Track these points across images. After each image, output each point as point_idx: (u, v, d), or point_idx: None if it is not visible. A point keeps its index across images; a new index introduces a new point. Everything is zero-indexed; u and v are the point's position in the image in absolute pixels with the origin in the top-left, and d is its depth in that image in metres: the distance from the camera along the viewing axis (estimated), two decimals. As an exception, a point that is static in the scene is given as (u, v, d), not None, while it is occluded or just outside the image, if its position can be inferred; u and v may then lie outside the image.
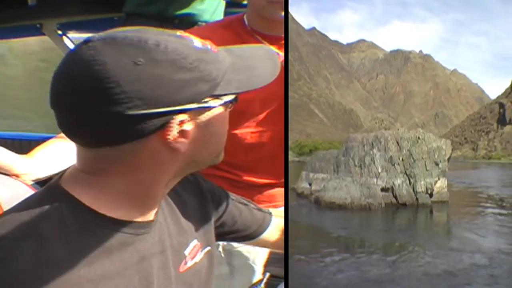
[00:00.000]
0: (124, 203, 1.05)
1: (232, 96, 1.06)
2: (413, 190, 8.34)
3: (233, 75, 1.05)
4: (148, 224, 1.10)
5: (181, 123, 0.99)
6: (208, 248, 1.30)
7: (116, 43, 0.95)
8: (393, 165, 8.47)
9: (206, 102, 1.01)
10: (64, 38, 3.57)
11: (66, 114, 0.97)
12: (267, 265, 2.44)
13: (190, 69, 0.98)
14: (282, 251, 1.67)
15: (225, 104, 1.05)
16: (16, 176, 1.66)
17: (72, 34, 3.60)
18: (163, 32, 1.01)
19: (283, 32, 2.06)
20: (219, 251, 2.22)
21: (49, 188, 1.08)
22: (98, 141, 0.98)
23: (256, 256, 2.32)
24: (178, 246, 1.20)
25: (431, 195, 8.46)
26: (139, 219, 1.08)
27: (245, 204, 1.50)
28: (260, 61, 1.15)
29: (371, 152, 8.61)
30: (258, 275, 2.36)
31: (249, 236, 1.50)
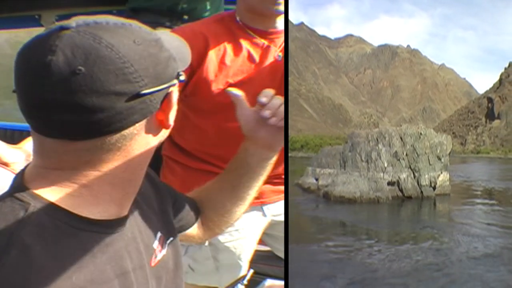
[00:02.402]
0: (105, 198, 1.00)
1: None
2: (418, 184, 8.61)
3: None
4: (122, 220, 1.06)
5: (172, 100, 1.02)
6: (171, 239, 1.27)
7: (105, 27, 0.92)
8: (398, 160, 8.71)
9: (178, 79, 1.03)
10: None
11: (57, 111, 0.90)
12: (254, 262, 2.44)
13: (166, 49, 1.00)
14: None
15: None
16: (5, 165, 1.60)
17: (70, 26, 3.58)
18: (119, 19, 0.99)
19: (273, 26, 2.11)
20: (205, 246, 2.22)
21: (15, 192, 0.98)
22: (103, 129, 0.92)
23: (242, 252, 2.30)
24: (147, 240, 1.17)
25: (434, 188, 8.77)
26: (114, 216, 1.04)
27: (181, 195, 1.48)
28: (181, 46, 1.11)
29: (377, 148, 8.84)
30: (243, 271, 2.35)
31: (184, 226, 1.46)
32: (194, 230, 1.50)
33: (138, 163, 1.01)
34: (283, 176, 2.27)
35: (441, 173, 8.89)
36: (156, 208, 1.28)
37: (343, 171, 8.85)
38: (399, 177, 8.51)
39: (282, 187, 2.28)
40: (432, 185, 8.72)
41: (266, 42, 2.15)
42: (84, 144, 0.94)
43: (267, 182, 2.05)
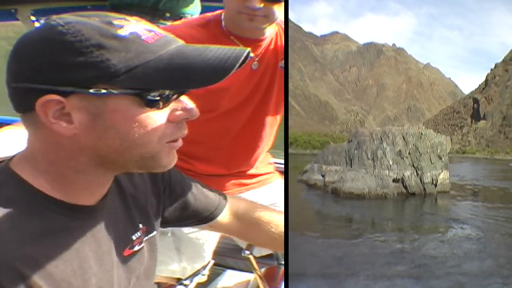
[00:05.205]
0: (63, 184, 1.01)
1: (154, 93, 0.94)
2: (421, 181, 9.06)
3: (151, 71, 0.93)
4: (94, 207, 1.07)
5: (60, 104, 0.92)
6: (153, 233, 1.28)
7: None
8: (402, 158, 9.15)
9: (95, 90, 0.92)
10: (37, 24, 3.34)
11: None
12: (218, 254, 2.42)
13: (81, 53, 0.90)
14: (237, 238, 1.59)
15: (132, 98, 0.94)
16: None
17: (45, 21, 3.69)
18: (104, 15, 0.97)
19: (257, 35, 2.05)
20: (168, 236, 2.19)
21: None
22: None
23: (205, 242, 2.29)
24: (124, 230, 1.17)
25: (435, 185, 9.22)
26: (84, 203, 1.05)
27: (200, 187, 1.45)
28: (207, 63, 0.96)
29: (382, 146, 9.27)
30: (206, 261, 2.33)
31: (206, 218, 1.45)
32: (225, 220, 1.49)
33: (66, 163, 1.01)
34: (247, 172, 2.31)
35: (442, 171, 9.35)
36: (147, 200, 1.28)
37: (350, 168, 9.23)
38: (403, 175, 8.94)
39: (244, 180, 2.31)
40: (434, 182, 9.18)
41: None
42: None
43: (230, 176, 2.24)
